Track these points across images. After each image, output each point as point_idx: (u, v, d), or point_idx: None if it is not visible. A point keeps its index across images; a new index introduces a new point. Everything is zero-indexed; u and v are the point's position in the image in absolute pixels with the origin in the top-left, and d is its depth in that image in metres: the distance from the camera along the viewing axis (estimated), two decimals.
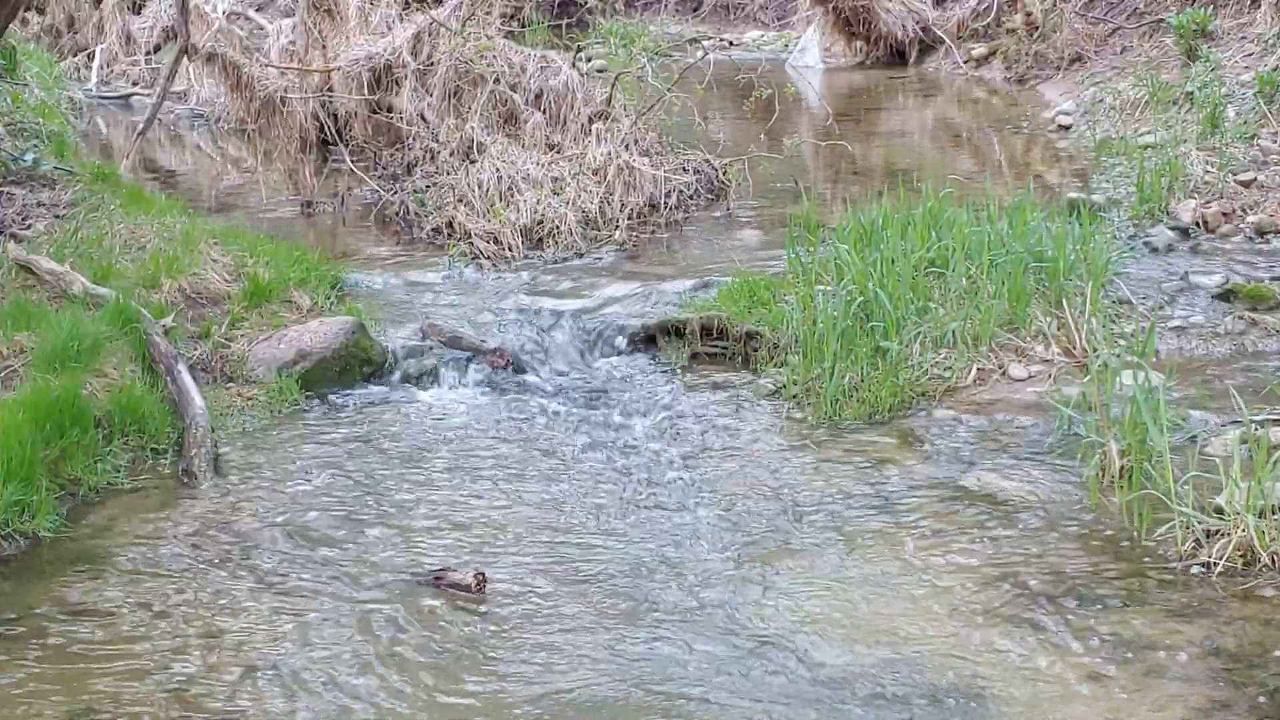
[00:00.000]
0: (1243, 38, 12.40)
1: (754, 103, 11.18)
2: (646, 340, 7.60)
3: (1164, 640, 4.57)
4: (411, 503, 5.89)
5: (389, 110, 11.32)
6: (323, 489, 6.02)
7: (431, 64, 11.07)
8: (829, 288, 7.42)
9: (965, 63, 16.38)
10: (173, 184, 11.77)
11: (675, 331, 7.54)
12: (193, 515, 5.76)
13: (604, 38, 15.82)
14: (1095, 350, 6.72)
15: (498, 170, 9.78)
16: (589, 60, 12.55)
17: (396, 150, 11.15)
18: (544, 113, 10.58)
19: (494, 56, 10.82)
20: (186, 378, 6.69)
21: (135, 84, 15.85)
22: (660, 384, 7.19)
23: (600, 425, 6.72)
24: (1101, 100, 12.74)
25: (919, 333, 7.03)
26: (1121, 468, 5.61)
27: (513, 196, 9.58)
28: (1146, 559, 5.12)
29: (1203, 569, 4.97)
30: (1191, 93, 11.29)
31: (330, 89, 11.69)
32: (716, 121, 12.83)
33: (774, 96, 11.27)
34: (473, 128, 10.30)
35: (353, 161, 10.85)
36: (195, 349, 7.20)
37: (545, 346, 7.59)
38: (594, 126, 10.32)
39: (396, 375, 7.31)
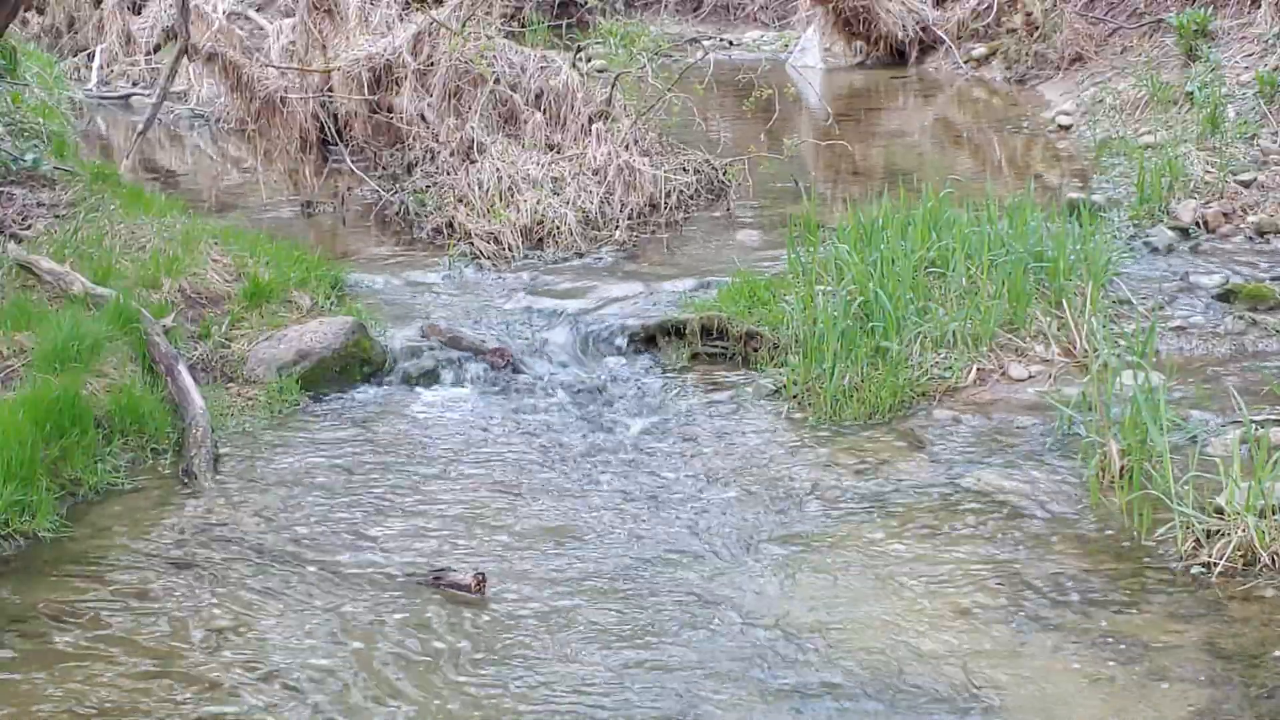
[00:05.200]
0: (1243, 38, 12.41)
1: (754, 103, 11.19)
2: (646, 340, 7.59)
3: (1164, 640, 4.57)
4: (411, 503, 5.89)
5: (389, 110, 11.31)
6: (323, 489, 6.02)
7: (431, 64, 11.07)
8: (829, 288, 7.42)
9: (965, 63, 16.38)
10: (173, 184, 11.76)
11: (675, 331, 7.54)
12: (193, 515, 5.76)
13: (604, 38, 15.85)
14: (1095, 350, 6.72)
15: (498, 170, 9.78)
16: (589, 60, 12.56)
17: (396, 150, 11.15)
18: (544, 113, 10.58)
19: (494, 56, 10.82)
20: (186, 378, 6.69)
21: (135, 84, 15.84)
22: (660, 384, 7.19)
23: (600, 425, 6.72)
24: (1101, 100, 12.75)
25: (919, 333, 7.03)
26: (1121, 468, 5.61)
27: (513, 196, 9.58)
28: (1146, 559, 5.12)
29: (1203, 569, 4.97)
30: (1191, 93, 11.29)
31: (330, 89, 11.69)
32: (716, 121, 12.83)
33: (774, 96, 11.27)
34: (473, 128, 10.30)
35: (353, 161, 10.85)
36: (195, 349, 7.20)
37: (545, 346, 7.59)
38: (594, 126, 10.32)
39: (397, 375, 7.31)
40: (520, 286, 8.53)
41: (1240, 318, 7.42)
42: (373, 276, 8.66)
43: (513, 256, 9.07)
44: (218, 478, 6.10)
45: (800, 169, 11.21)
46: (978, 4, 16.72)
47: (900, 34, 17.19)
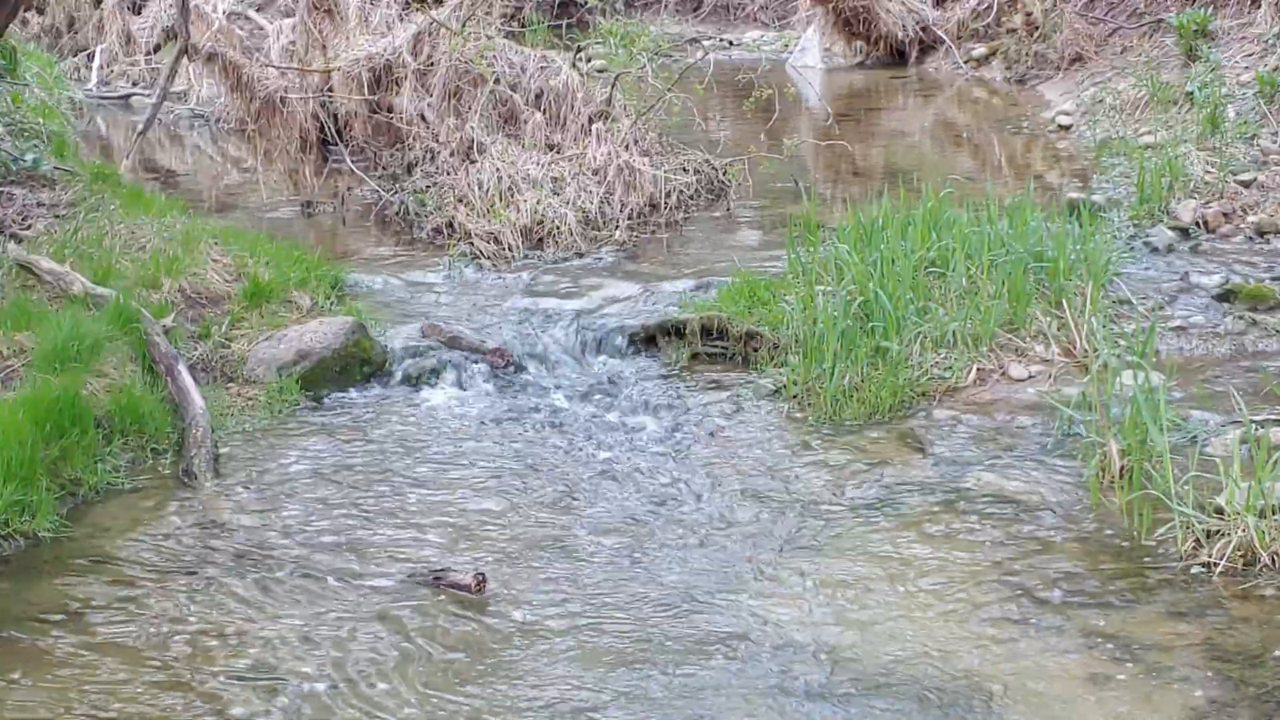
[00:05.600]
0: (1243, 38, 12.41)
1: (754, 103, 11.18)
2: (646, 340, 7.59)
3: (1164, 640, 4.57)
4: (411, 503, 5.89)
5: (389, 110, 11.31)
6: (322, 489, 6.02)
7: (431, 64, 11.07)
8: (829, 288, 7.42)
9: (965, 63, 16.38)
10: (173, 184, 11.76)
11: (675, 331, 7.54)
12: (193, 515, 5.76)
13: (604, 38, 15.84)
14: (1095, 350, 6.72)
15: (498, 170, 9.78)
16: (589, 60, 12.55)
17: (396, 150, 11.15)
18: (544, 113, 10.58)
19: (494, 56, 10.82)
20: (186, 378, 6.69)
21: (135, 84, 15.84)
22: (660, 384, 7.18)
23: (600, 425, 6.72)
24: (1101, 100, 12.75)
25: (919, 333, 7.03)
26: (1121, 468, 5.61)
27: (513, 196, 9.57)
28: (1146, 559, 5.12)
29: (1203, 569, 4.97)
30: (1191, 93, 11.29)
31: (330, 89, 11.69)
32: (716, 121, 12.83)
33: (774, 96, 11.27)
34: (473, 128, 10.30)
35: (353, 161, 10.85)
36: (195, 349, 7.20)
37: (545, 346, 7.58)
38: (594, 126, 10.32)
39: (397, 375, 7.30)
40: (520, 286, 8.53)
41: (1240, 318, 7.42)
42: (373, 276, 8.66)
43: (513, 256, 9.07)
44: (218, 478, 6.10)
45: (800, 169, 11.21)
46: (978, 4, 16.71)
47: (900, 34, 17.18)
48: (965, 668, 4.48)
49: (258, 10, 15.17)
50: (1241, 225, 8.94)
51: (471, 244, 9.15)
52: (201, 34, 12.23)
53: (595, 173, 9.92)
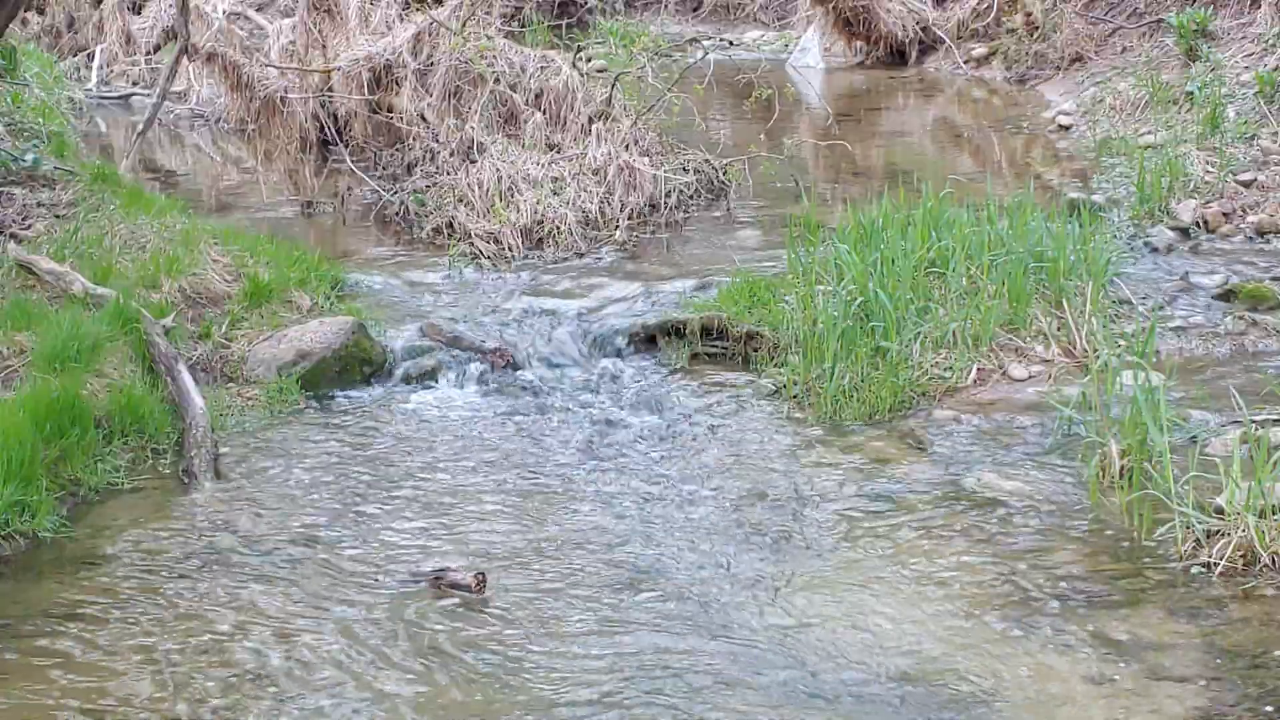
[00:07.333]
0: (1243, 38, 12.40)
1: (754, 103, 11.19)
2: (647, 340, 7.59)
3: (1164, 640, 4.57)
4: (412, 503, 5.89)
5: (389, 110, 11.32)
6: (322, 489, 6.02)
7: (431, 64, 11.07)
8: (829, 288, 7.42)
9: (965, 63, 16.37)
10: (173, 184, 11.76)
11: (675, 331, 7.54)
12: (193, 515, 5.76)
13: (604, 38, 15.84)
14: (1095, 350, 6.73)
15: (498, 170, 9.77)
16: (589, 60, 12.55)
17: (396, 150, 11.15)
18: (544, 113, 10.58)
19: (494, 56, 10.82)
20: (186, 378, 6.69)
21: (135, 84, 15.83)
22: (660, 384, 7.19)
23: (600, 425, 6.72)
24: (1101, 100, 12.75)
25: (919, 333, 7.03)
26: (1121, 468, 5.61)
27: (513, 196, 9.57)
28: (1146, 559, 5.12)
29: (1203, 569, 4.97)
30: (1191, 93, 11.30)
31: (330, 89, 11.69)
32: (716, 121, 12.83)
33: (774, 96, 11.27)
34: (473, 128, 10.30)
35: (353, 161, 10.85)
36: (195, 349, 7.20)
37: (545, 346, 7.58)
38: (594, 126, 10.32)
39: (396, 375, 7.30)
40: (520, 286, 8.53)
41: (1240, 318, 7.42)
42: (373, 276, 8.66)
43: (513, 256, 9.06)
44: (218, 478, 6.09)
45: (800, 169, 11.21)
46: (978, 4, 16.69)
47: (900, 34, 17.16)
48: (965, 667, 4.48)
49: (258, 10, 15.15)
50: (1241, 225, 8.95)
51: (471, 244, 9.14)
52: (201, 34, 12.24)
53: (595, 173, 9.92)
